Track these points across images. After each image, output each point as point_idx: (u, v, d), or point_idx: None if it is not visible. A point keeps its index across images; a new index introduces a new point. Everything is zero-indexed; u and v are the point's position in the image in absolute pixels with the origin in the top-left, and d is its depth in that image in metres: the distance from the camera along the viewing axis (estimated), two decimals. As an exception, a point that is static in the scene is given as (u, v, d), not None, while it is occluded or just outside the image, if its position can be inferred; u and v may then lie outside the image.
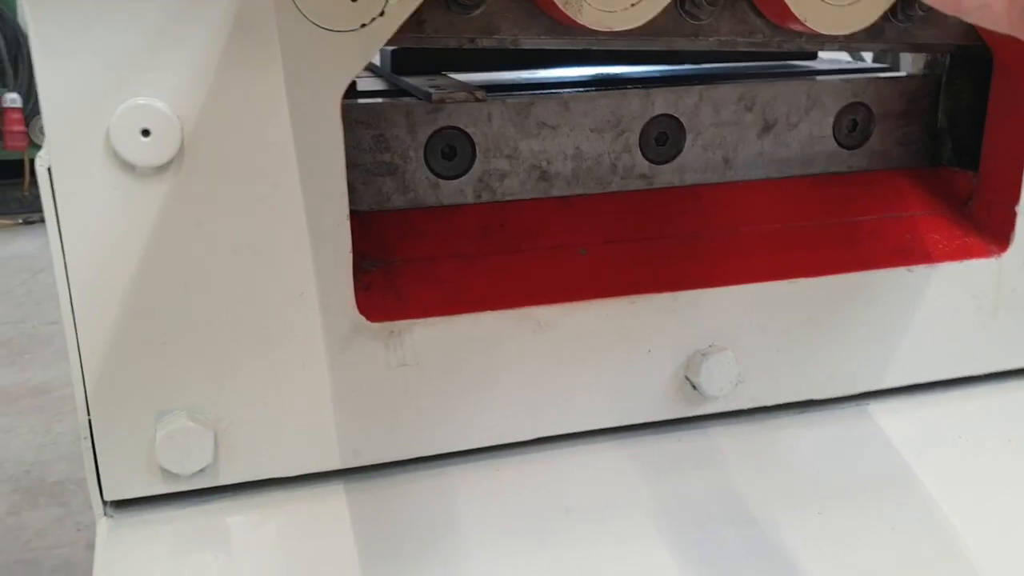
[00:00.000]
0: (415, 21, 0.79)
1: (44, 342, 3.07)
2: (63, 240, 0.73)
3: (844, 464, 0.95)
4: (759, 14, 0.88)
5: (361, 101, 0.89)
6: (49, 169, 0.72)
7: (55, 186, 0.72)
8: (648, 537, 0.86)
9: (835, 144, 1.03)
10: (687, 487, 0.90)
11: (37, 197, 4.42)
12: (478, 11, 0.80)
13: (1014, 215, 0.96)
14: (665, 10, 0.79)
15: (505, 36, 0.82)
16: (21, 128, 4.15)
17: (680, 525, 0.87)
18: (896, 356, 0.97)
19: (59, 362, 2.90)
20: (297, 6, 0.70)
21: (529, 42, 0.84)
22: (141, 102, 0.70)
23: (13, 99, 4.16)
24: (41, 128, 3.52)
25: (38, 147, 4.31)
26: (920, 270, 0.95)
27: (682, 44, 0.87)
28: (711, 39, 0.87)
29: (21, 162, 4.36)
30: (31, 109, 4.20)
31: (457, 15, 0.80)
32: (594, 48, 0.88)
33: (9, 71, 4.19)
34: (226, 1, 0.69)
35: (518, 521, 0.86)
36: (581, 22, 0.76)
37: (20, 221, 4.37)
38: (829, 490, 0.92)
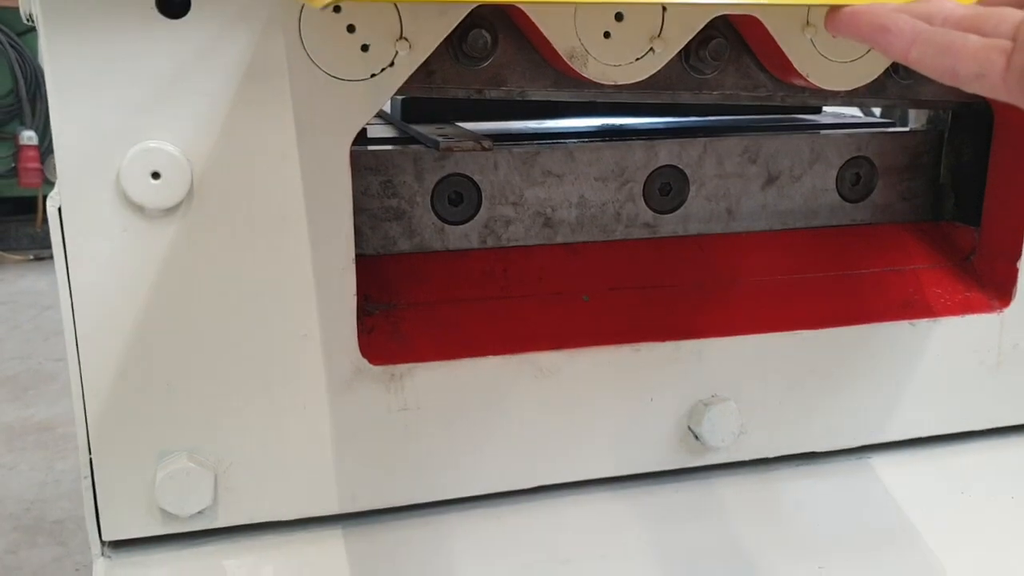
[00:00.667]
0: (424, 72, 0.80)
1: (49, 378, 3.07)
2: (71, 279, 0.74)
3: (845, 517, 0.94)
4: (763, 69, 0.89)
5: (370, 148, 0.90)
6: (59, 209, 0.73)
7: (65, 225, 0.73)
8: (647, 588, 0.85)
9: (838, 197, 1.04)
10: (688, 538, 0.90)
11: (49, 234, 4.47)
12: (486, 63, 0.82)
13: (1016, 271, 0.97)
14: (670, 64, 0.80)
15: (513, 88, 0.84)
16: (36, 165, 4.20)
17: (679, 576, 0.86)
18: (898, 410, 0.97)
19: (64, 399, 2.90)
20: (309, 56, 0.72)
21: (536, 94, 0.85)
22: (152, 145, 0.71)
23: (30, 136, 4.21)
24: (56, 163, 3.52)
25: (52, 184, 4.36)
26: (922, 324, 0.95)
27: (687, 97, 0.89)
28: (715, 93, 0.89)
29: (34, 199, 4.41)
30: (47, 147, 4.25)
31: (466, 67, 0.82)
32: (599, 100, 0.90)
33: (27, 109, 4.25)
34: (239, 50, 0.71)
35: (516, 571, 0.85)
36: (587, 75, 0.78)
37: (31, 257, 4.40)
38: (830, 543, 0.92)
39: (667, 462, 0.92)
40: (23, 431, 2.68)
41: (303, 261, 0.77)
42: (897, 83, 0.93)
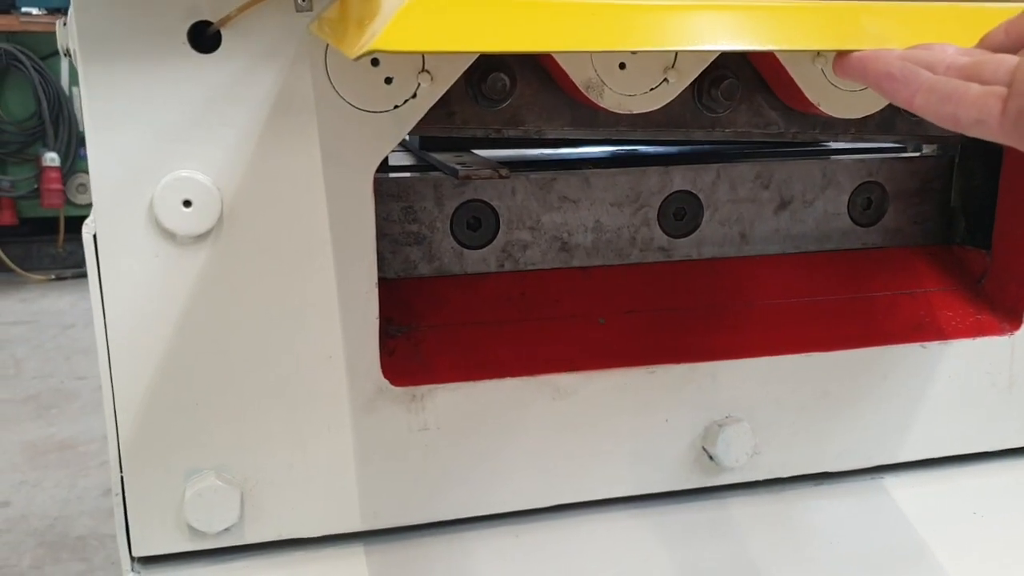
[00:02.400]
0: (445, 113, 0.83)
1: (71, 397, 3.11)
2: (104, 302, 0.77)
3: (859, 537, 0.96)
4: (775, 107, 0.91)
5: (392, 175, 0.93)
6: (94, 236, 0.76)
7: (99, 252, 0.76)
8: (663, 606, 0.87)
9: (850, 221, 1.05)
10: (702, 557, 0.91)
11: (70, 253, 4.52)
12: (505, 104, 0.84)
13: (1027, 293, 0.98)
14: (683, 102, 0.83)
15: (530, 127, 0.87)
16: (58, 186, 4.25)
17: (695, 595, 0.88)
18: (911, 431, 0.99)
19: (85, 417, 2.93)
20: (335, 88, 0.75)
21: (553, 133, 0.88)
22: (184, 174, 0.74)
23: (52, 158, 4.27)
24: (78, 186, 3.59)
25: (74, 205, 4.42)
26: (934, 346, 0.97)
27: (699, 135, 0.91)
28: (727, 131, 0.91)
29: (56, 219, 4.46)
30: (69, 168, 4.31)
31: (485, 108, 0.84)
32: (613, 139, 0.92)
33: (50, 131, 4.31)
34: (268, 83, 0.74)
35: (534, 586, 0.87)
36: (602, 105, 0.80)
37: (53, 276, 4.45)
38: (843, 563, 0.93)
39: (682, 482, 0.94)
40: (46, 449, 2.72)
41: (328, 285, 0.79)
42: (906, 119, 0.95)
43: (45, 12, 4.15)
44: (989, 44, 0.52)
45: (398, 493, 0.86)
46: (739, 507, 0.95)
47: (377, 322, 0.82)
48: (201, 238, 0.76)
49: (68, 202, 4.33)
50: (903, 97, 0.50)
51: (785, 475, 0.97)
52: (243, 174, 0.75)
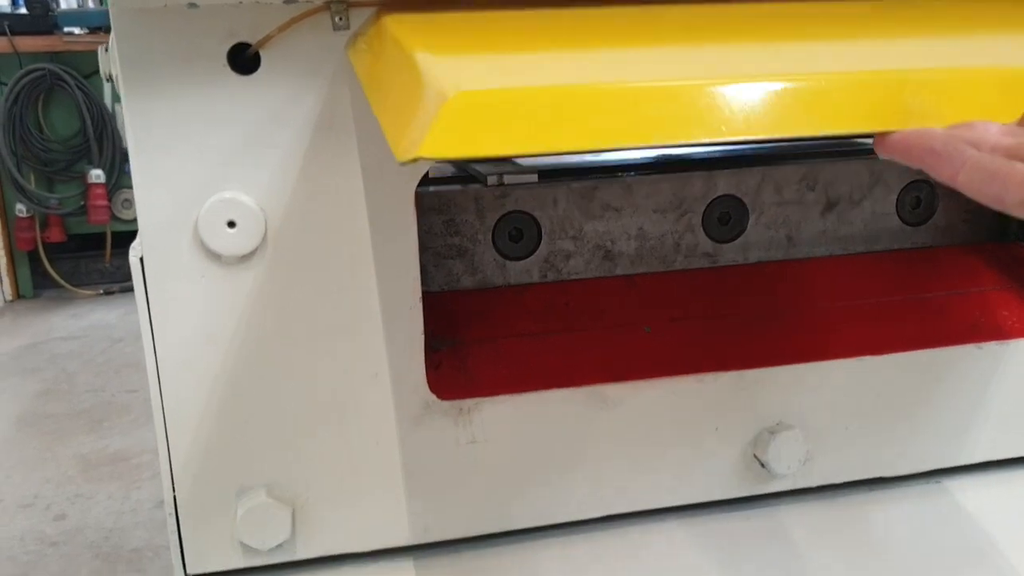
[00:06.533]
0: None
1: (122, 410, 3.16)
2: (152, 324, 0.77)
3: (917, 542, 0.93)
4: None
5: (433, 189, 0.93)
6: (141, 259, 0.76)
7: (146, 274, 0.76)
8: (717, 617, 0.85)
9: (899, 221, 1.03)
10: (756, 567, 0.90)
11: (117, 268, 4.59)
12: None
13: (1086, 290, 0.95)
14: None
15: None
16: (104, 203, 4.32)
17: (750, 605, 0.86)
18: (968, 433, 0.96)
19: (137, 430, 2.97)
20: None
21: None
22: (227, 196, 0.75)
23: (98, 175, 4.34)
24: (123, 201, 3.62)
25: (120, 220, 4.50)
26: (990, 347, 0.94)
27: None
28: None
29: (103, 234, 4.53)
30: (114, 184, 4.38)
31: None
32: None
33: (94, 148, 4.39)
34: (308, 103, 0.74)
35: (586, 599, 0.86)
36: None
37: (101, 291, 4.52)
38: (901, 568, 0.91)
39: (733, 490, 0.92)
40: (99, 462, 2.76)
41: (372, 301, 0.79)
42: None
43: (87, 31, 4.23)
44: None
45: (447, 506, 0.86)
46: (792, 515, 0.94)
47: (422, 337, 0.81)
48: (246, 258, 0.76)
49: (114, 217, 4.40)
50: (947, 174, 0.49)
51: (839, 481, 0.95)
52: (286, 193, 0.76)
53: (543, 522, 0.89)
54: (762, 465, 0.91)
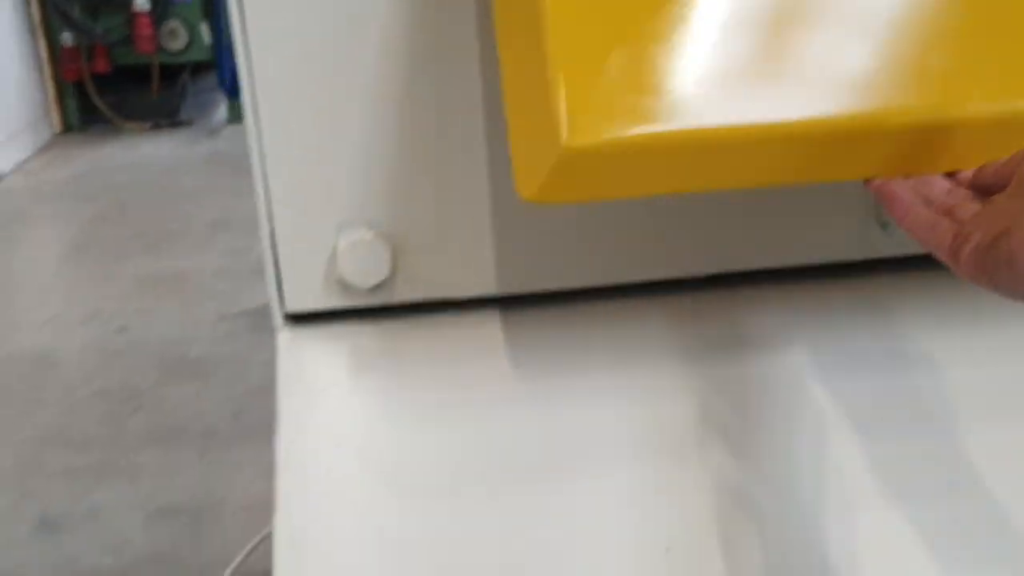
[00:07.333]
0: None
1: (179, 235, 3.18)
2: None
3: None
4: None
5: None
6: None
7: None
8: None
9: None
10: (869, 334, 0.87)
11: (165, 101, 4.55)
12: None
13: None
14: None
15: None
16: (150, 31, 4.25)
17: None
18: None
19: (195, 254, 3.00)
20: None
21: None
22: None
23: (142, 4, 4.25)
24: (168, 32, 3.57)
25: (166, 52, 4.43)
26: None
27: None
28: None
29: (148, 68, 4.47)
30: (160, 14, 4.30)
31: None
32: None
33: (138, -24, 4.28)
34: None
35: (691, 354, 0.84)
36: None
37: (149, 126, 4.50)
38: None
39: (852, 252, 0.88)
40: (159, 279, 2.80)
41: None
42: None
43: None
44: (979, 177, 0.57)
45: (536, 259, 0.83)
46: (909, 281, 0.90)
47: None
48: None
49: (160, 49, 4.33)
50: (899, 217, 0.57)
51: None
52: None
53: (646, 277, 0.86)
54: (882, 227, 0.86)
